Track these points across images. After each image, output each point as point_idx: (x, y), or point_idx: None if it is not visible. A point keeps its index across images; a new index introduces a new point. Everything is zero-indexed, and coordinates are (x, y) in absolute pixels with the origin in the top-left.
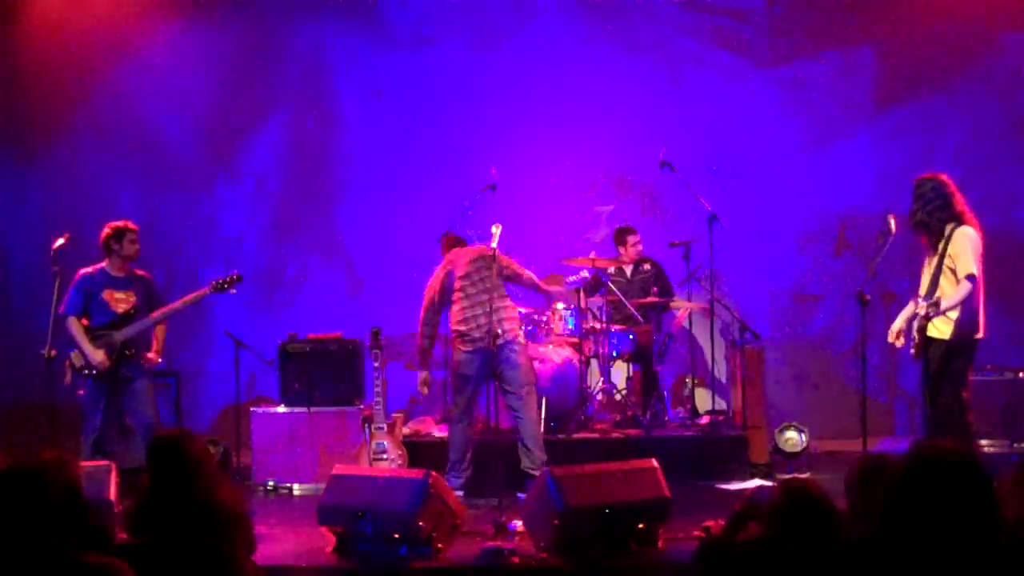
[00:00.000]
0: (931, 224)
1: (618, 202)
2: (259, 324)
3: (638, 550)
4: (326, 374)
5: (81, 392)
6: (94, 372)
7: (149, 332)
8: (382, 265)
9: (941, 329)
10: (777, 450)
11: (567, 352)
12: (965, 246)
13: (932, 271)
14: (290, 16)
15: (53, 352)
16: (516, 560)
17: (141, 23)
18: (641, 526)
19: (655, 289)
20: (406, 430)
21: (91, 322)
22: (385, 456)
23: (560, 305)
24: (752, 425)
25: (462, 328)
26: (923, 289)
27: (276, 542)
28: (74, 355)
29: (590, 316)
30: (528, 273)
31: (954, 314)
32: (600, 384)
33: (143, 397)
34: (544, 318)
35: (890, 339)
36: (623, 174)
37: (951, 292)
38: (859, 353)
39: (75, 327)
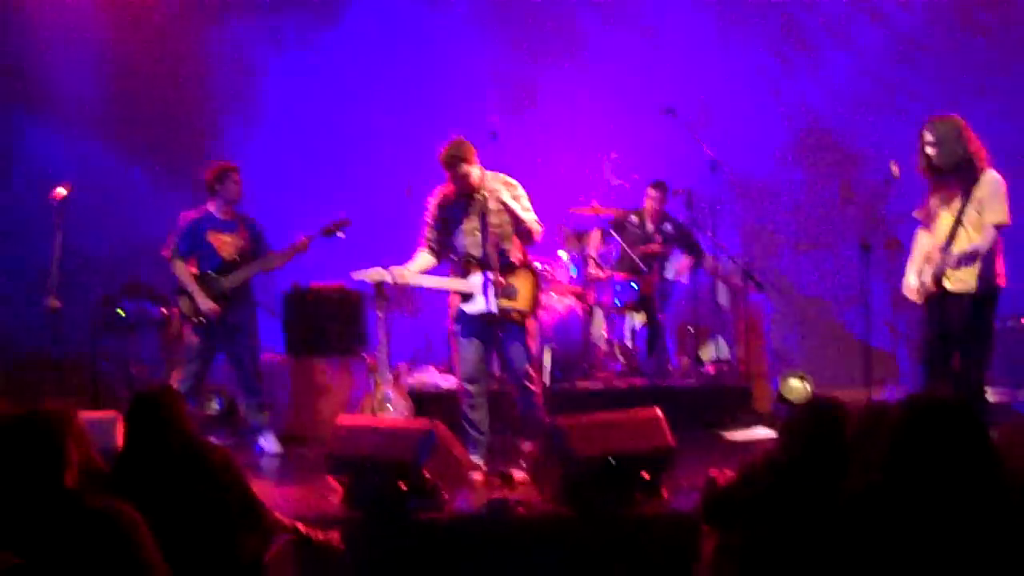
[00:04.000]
0: (956, 166)
1: (623, 151)
2: (262, 274)
3: (643, 499)
4: (330, 324)
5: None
6: (203, 320)
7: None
8: (386, 216)
9: (966, 280)
10: (781, 398)
11: (570, 301)
12: (997, 191)
13: (953, 216)
14: None
15: (56, 303)
16: (522, 511)
17: None
18: (646, 475)
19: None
20: (411, 380)
21: (198, 267)
22: (391, 406)
23: (563, 254)
24: (755, 374)
25: None
26: (940, 236)
27: (282, 492)
28: (182, 301)
29: (593, 264)
30: None
31: (978, 263)
32: (604, 333)
33: (246, 349)
34: (547, 267)
35: (912, 296)
36: (629, 119)
37: (976, 238)
38: (862, 301)
39: (181, 271)
